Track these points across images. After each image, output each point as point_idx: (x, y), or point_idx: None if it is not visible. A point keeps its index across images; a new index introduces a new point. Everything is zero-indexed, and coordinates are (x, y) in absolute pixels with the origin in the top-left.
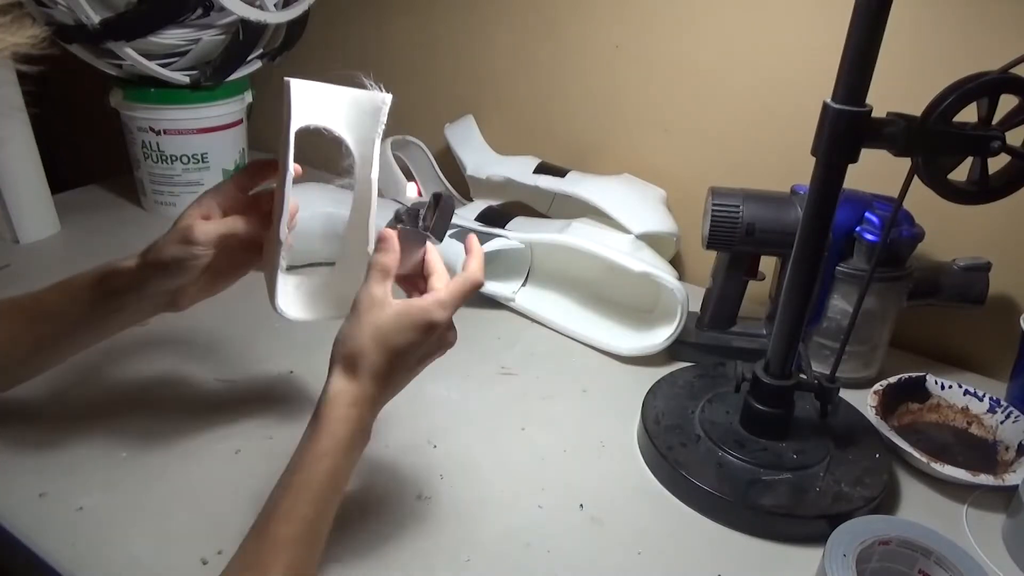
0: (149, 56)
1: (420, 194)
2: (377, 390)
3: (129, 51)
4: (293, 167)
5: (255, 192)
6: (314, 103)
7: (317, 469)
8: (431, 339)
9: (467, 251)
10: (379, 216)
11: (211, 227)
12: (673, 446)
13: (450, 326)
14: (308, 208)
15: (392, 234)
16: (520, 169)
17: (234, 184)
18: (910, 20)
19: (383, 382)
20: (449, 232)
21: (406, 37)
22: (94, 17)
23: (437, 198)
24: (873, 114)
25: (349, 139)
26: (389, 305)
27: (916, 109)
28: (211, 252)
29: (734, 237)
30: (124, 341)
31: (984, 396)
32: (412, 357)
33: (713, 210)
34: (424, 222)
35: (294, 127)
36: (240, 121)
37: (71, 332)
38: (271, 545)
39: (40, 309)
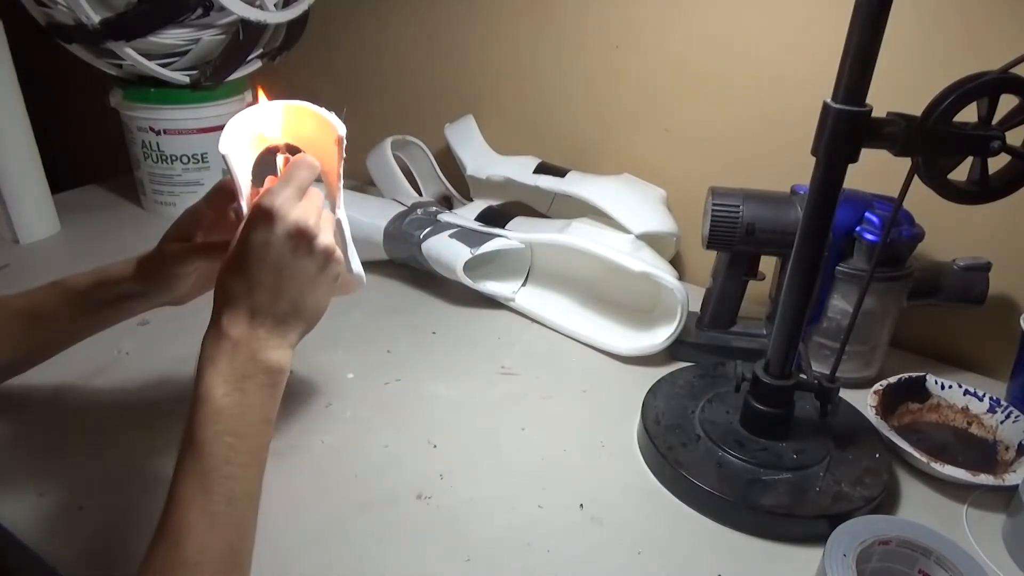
0: (149, 56)
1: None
2: (246, 313)
3: (129, 51)
4: (248, 178)
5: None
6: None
7: (196, 421)
8: (278, 232)
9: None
10: (380, 217)
11: (185, 255)
12: (673, 446)
13: (308, 229)
14: None
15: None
16: (520, 169)
17: (208, 204)
18: (910, 19)
19: (251, 301)
20: (449, 232)
21: (406, 37)
22: (94, 17)
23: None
24: (873, 114)
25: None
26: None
27: (916, 109)
28: (194, 272)
29: (734, 237)
30: (125, 340)
31: (984, 396)
32: (271, 260)
33: (713, 210)
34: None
35: (229, 148)
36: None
37: (67, 336)
38: (172, 511)
39: (36, 313)
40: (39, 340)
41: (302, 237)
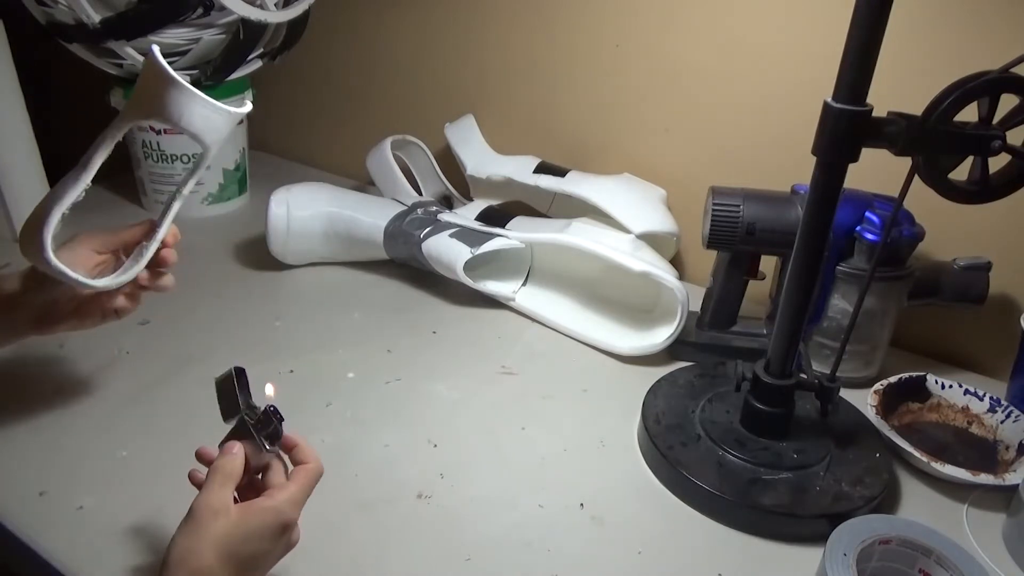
0: None
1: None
2: None
3: (129, 50)
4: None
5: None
6: None
7: None
8: (283, 540)
9: (290, 445)
10: (380, 217)
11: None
12: (673, 445)
13: (296, 542)
14: (309, 208)
15: (237, 443)
16: (520, 169)
17: (116, 237)
18: (911, 19)
19: None
20: (449, 232)
21: (406, 36)
22: (94, 16)
23: (267, 414)
24: (873, 113)
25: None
26: (231, 512)
27: (917, 109)
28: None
29: (734, 237)
30: (125, 339)
31: (984, 396)
32: (264, 564)
33: (714, 210)
34: (259, 435)
35: None
36: (240, 121)
37: None
38: None
39: None
40: None
41: (290, 548)
